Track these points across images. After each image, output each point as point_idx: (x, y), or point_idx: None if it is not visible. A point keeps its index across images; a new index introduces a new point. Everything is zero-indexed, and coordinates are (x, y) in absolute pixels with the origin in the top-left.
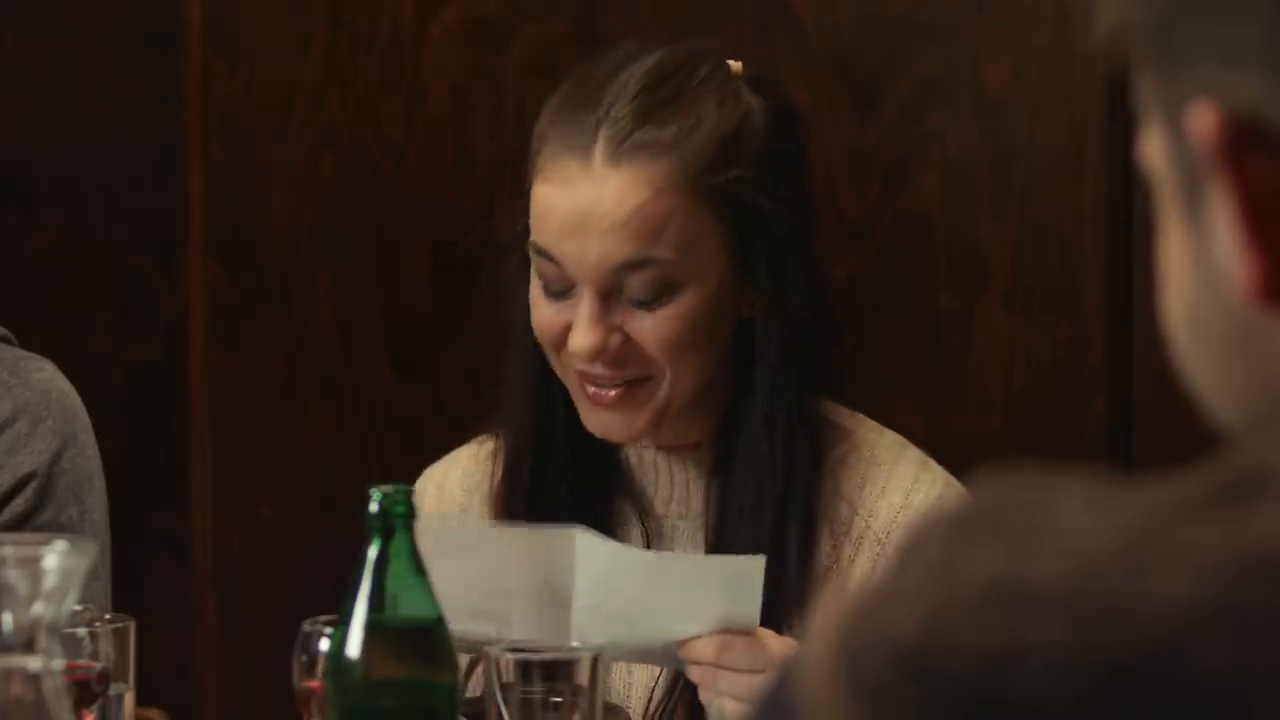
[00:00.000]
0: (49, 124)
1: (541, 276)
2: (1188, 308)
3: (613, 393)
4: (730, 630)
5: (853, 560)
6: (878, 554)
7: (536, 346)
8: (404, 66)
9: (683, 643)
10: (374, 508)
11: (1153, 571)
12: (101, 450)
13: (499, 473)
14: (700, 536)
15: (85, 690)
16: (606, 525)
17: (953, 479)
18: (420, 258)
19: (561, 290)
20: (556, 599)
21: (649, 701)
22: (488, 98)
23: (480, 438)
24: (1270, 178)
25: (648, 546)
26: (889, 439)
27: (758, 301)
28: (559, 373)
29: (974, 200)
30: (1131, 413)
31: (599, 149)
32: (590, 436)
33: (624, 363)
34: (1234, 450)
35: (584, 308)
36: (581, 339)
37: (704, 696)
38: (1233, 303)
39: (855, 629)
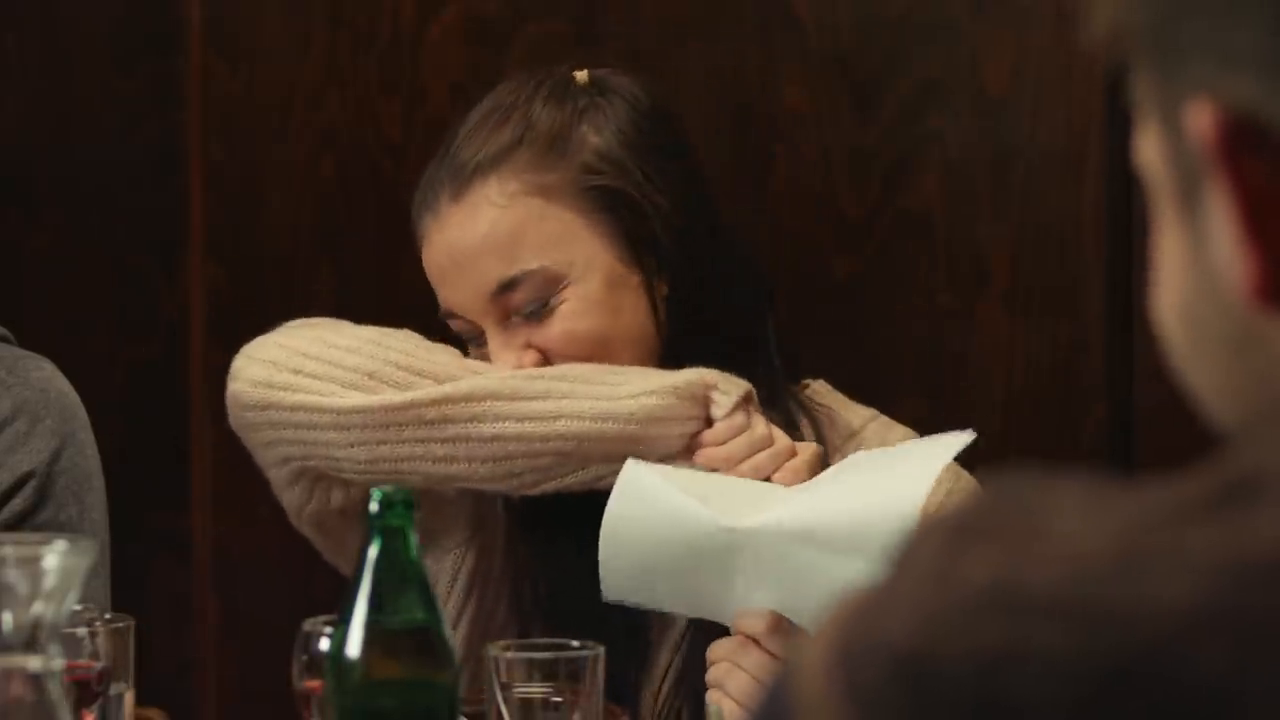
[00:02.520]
0: (49, 124)
1: (462, 337)
2: (1184, 307)
3: None
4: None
5: None
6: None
7: None
8: (404, 66)
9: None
10: (374, 508)
11: (1150, 575)
12: (101, 450)
13: None
14: None
15: (85, 690)
16: (589, 517)
17: (963, 472)
18: (420, 258)
19: (476, 338)
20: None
21: (658, 691)
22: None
23: None
24: (1268, 178)
25: None
26: (897, 434)
27: (662, 278)
28: None
29: (974, 200)
30: (1131, 415)
31: (443, 193)
32: None
33: None
34: (1231, 453)
35: (491, 343)
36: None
37: (711, 677)
38: (1230, 303)
39: (852, 633)
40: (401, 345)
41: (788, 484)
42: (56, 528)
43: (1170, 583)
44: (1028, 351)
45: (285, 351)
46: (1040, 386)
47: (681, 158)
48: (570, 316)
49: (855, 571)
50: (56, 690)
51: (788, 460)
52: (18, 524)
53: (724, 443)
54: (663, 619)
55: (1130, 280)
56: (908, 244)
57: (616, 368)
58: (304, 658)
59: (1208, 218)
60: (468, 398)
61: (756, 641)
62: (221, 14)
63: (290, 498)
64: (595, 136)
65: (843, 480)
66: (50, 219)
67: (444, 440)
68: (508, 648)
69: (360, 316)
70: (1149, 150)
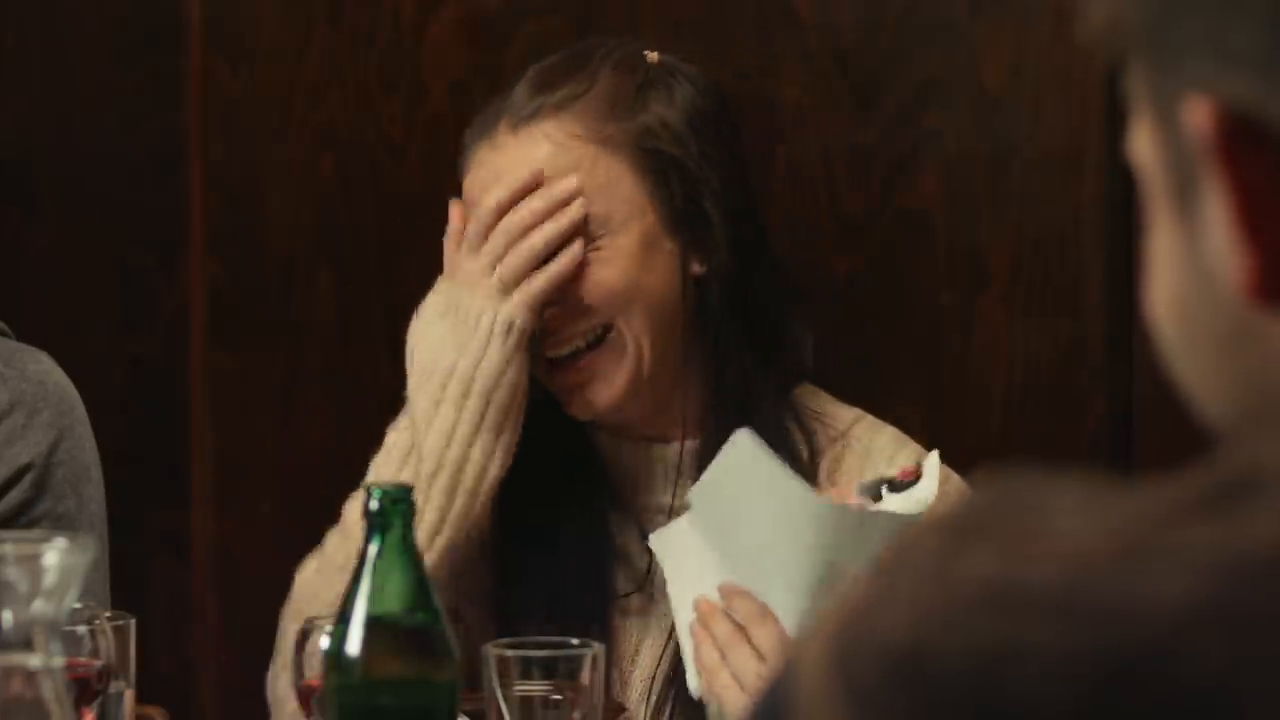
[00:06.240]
0: (49, 124)
1: None
2: (1177, 304)
3: (583, 362)
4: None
5: None
6: None
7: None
8: (404, 65)
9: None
10: (373, 505)
11: (1148, 572)
12: (101, 448)
13: None
14: None
15: (85, 688)
16: (599, 524)
17: (952, 473)
18: (420, 257)
19: None
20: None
21: (648, 696)
22: (488, 96)
23: None
24: (1265, 175)
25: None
26: (885, 436)
27: (699, 258)
28: (539, 377)
29: (973, 199)
30: (1131, 413)
31: (501, 126)
32: (576, 439)
33: (568, 320)
34: (1227, 450)
35: None
36: None
37: (703, 661)
38: (1224, 299)
39: (849, 633)
40: None
41: None
42: (54, 519)
43: (1167, 580)
44: (1028, 350)
45: None
46: (1040, 385)
47: (737, 148)
48: (596, 263)
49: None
50: (57, 688)
51: None
52: (15, 516)
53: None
54: (644, 610)
55: (1130, 278)
56: (908, 243)
57: None
58: (304, 655)
59: (1203, 214)
60: None
61: (746, 632)
62: (222, 13)
63: None
64: (660, 105)
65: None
66: (50, 218)
67: None
68: (507, 646)
69: (359, 316)
70: (1143, 146)
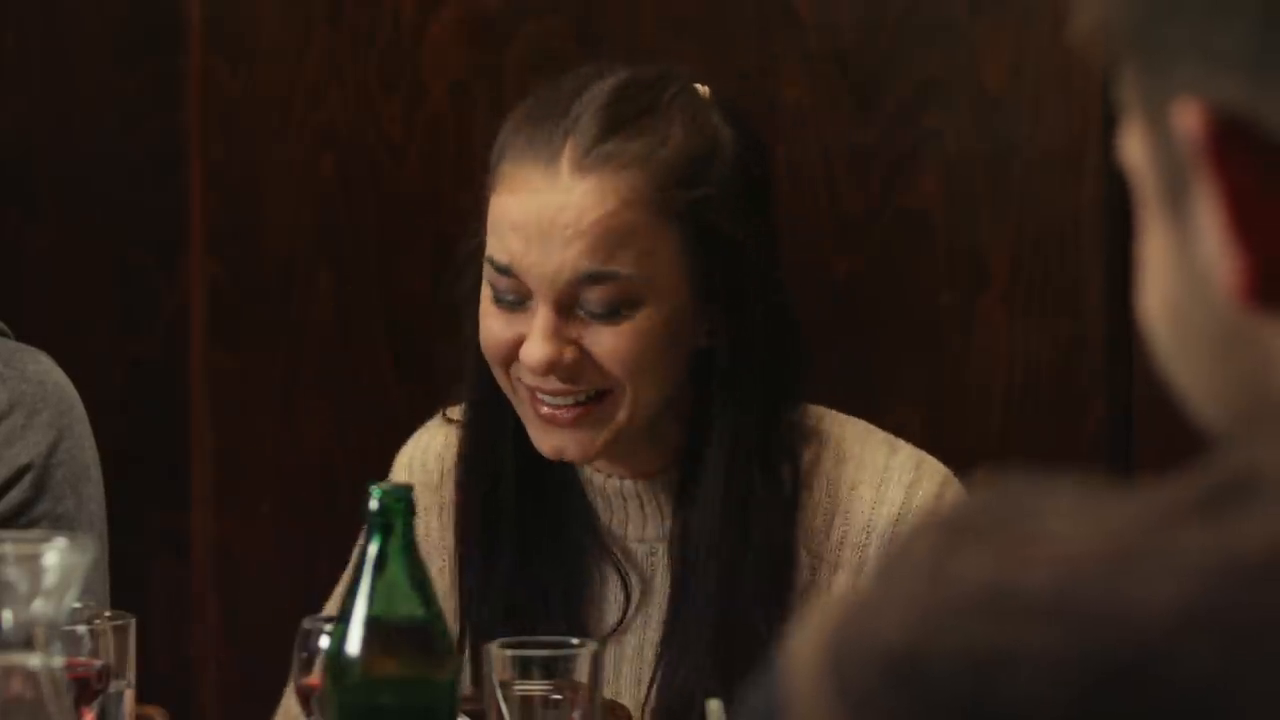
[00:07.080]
0: (49, 124)
1: (494, 288)
2: (1170, 306)
3: (570, 412)
4: None
5: (835, 569)
6: (859, 558)
7: (486, 373)
8: (404, 65)
9: None
10: (373, 505)
11: (1142, 576)
12: (101, 448)
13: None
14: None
15: (85, 688)
16: (576, 562)
17: (928, 457)
18: (420, 257)
19: (514, 301)
20: None
21: (644, 701)
22: (488, 96)
23: (448, 412)
24: (1256, 177)
25: (623, 578)
26: (853, 429)
27: (717, 330)
28: (507, 392)
29: (973, 199)
30: (1130, 413)
31: (566, 156)
32: (545, 469)
33: (577, 377)
34: (1221, 454)
35: (539, 320)
36: (536, 351)
37: None
38: (1217, 302)
39: (843, 635)
40: None
41: None
42: (54, 519)
43: (1161, 584)
44: (1028, 351)
45: None
46: (1040, 385)
47: (775, 211)
48: (629, 334)
49: None
50: (57, 688)
51: None
52: (15, 516)
53: None
54: (641, 615)
55: (1129, 279)
56: (907, 243)
57: None
58: (303, 655)
59: (1195, 217)
60: None
61: None
62: (221, 13)
63: None
64: (722, 171)
65: None
66: (50, 217)
67: None
68: (506, 645)
69: (359, 316)
70: (1135, 149)
